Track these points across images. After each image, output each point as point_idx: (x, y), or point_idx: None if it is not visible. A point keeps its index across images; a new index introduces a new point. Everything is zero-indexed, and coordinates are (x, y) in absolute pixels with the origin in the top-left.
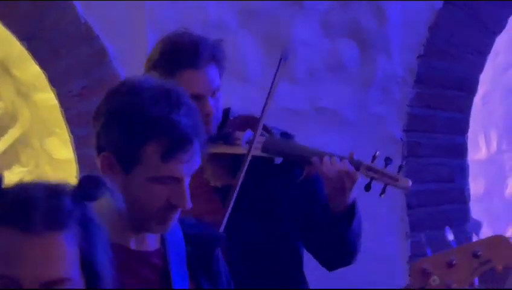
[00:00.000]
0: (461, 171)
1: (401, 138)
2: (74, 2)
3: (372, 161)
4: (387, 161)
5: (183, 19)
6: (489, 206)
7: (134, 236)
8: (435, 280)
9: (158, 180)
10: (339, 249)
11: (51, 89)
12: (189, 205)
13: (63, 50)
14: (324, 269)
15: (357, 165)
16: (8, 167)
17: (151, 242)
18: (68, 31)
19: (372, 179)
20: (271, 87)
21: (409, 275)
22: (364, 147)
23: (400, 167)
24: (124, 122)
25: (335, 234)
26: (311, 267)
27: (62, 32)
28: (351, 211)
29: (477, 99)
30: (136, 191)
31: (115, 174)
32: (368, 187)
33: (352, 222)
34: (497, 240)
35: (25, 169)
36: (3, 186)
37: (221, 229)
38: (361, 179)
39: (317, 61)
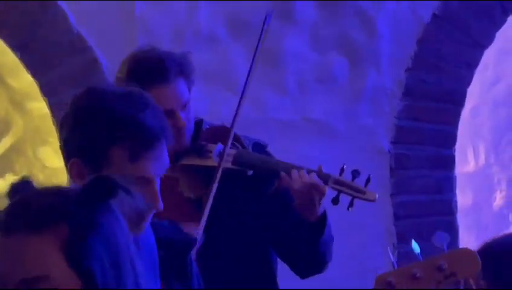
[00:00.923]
0: (448, 183)
1: (389, 150)
2: (66, 12)
3: (340, 174)
4: (355, 173)
5: (174, 30)
6: (478, 219)
7: None
8: None
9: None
10: (310, 259)
11: (43, 98)
12: (160, 206)
13: (55, 60)
14: (312, 279)
15: (326, 179)
16: (2, 175)
17: None
18: (60, 41)
19: (340, 192)
20: (245, 84)
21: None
22: (353, 158)
23: (367, 180)
24: (90, 125)
25: (306, 244)
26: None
27: (54, 42)
28: (321, 222)
29: (465, 113)
30: None
31: (84, 179)
32: (335, 201)
33: (322, 233)
34: (463, 253)
35: (18, 177)
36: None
37: (197, 241)
38: (330, 192)
39: (307, 73)
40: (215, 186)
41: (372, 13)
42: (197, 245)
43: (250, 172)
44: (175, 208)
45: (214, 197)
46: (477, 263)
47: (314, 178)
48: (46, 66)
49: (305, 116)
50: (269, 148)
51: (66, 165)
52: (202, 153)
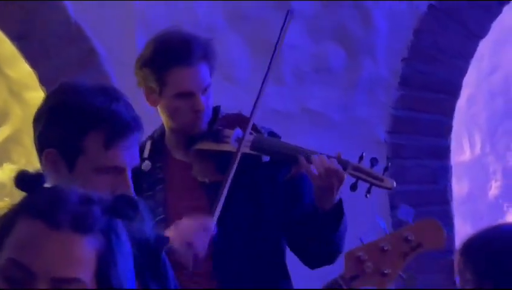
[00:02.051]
0: (444, 172)
1: (385, 140)
2: (65, 2)
3: (358, 162)
4: (373, 161)
5: (172, 21)
6: (473, 208)
7: None
8: (369, 267)
9: (101, 171)
10: (323, 249)
11: (41, 88)
12: (132, 195)
13: (53, 50)
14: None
15: (344, 165)
16: None
17: None
18: (58, 31)
19: (358, 179)
20: (265, 77)
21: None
22: (349, 148)
23: (385, 168)
24: (65, 116)
25: (320, 233)
26: (294, 265)
27: (53, 32)
28: (337, 210)
29: (461, 103)
30: (80, 185)
31: (58, 170)
32: (354, 187)
33: (339, 222)
34: (428, 224)
35: (16, 166)
36: (43, 185)
37: (213, 225)
38: (348, 179)
39: (304, 64)
40: (232, 171)
41: (369, 4)
42: (212, 231)
43: (266, 158)
44: (187, 193)
45: (230, 183)
46: (442, 233)
47: (334, 163)
48: (45, 56)
49: (302, 107)
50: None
51: (39, 156)
52: (219, 138)
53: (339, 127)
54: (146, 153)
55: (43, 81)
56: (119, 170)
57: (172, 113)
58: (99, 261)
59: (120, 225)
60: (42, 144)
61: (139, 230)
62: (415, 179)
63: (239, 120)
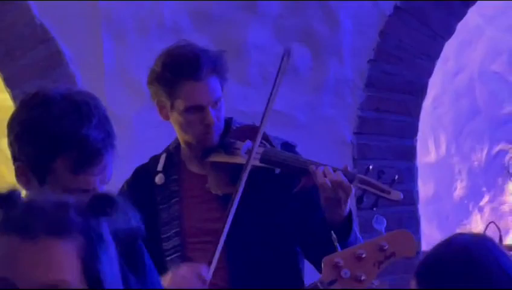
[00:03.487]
0: (410, 173)
1: (351, 141)
2: (30, 3)
3: (365, 174)
4: (380, 173)
5: (138, 21)
6: (439, 208)
7: None
8: (346, 273)
9: (70, 192)
10: None
11: (6, 90)
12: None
13: (18, 51)
14: None
15: (351, 177)
16: None
17: None
18: (23, 32)
19: (365, 191)
20: (271, 93)
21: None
22: (316, 149)
23: (393, 180)
24: (35, 136)
25: (332, 245)
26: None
27: (17, 33)
28: (347, 223)
29: (427, 103)
30: None
31: (29, 184)
32: (360, 200)
33: (349, 234)
34: (401, 234)
35: None
36: (20, 201)
37: (223, 238)
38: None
39: (270, 65)
40: (242, 183)
41: (335, 5)
42: (220, 246)
43: (278, 170)
44: (202, 205)
45: (242, 195)
46: (413, 244)
47: (340, 176)
48: (9, 57)
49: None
50: (298, 149)
51: (13, 162)
52: (230, 150)
53: (305, 128)
54: (160, 167)
55: (8, 83)
56: (88, 192)
57: (184, 127)
58: (83, 260)
59: (101, 223)
60: (14, 154)
61: (119, 223)
62: (381, 180)
63: (252, 131)
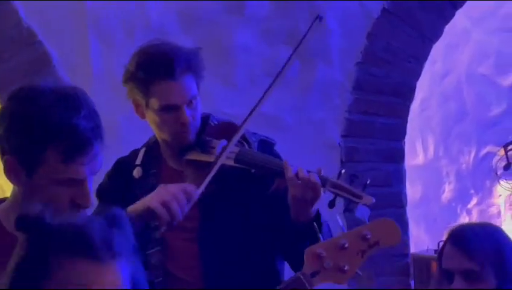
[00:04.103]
0: (398, 176)
1: (339, 143)
2: (16, 5)
3: (337, 178)
4: (353, 177)
5: (124, 23)
6: (427, 211)
7: None
8: (328, 263)
9: (60, 183)
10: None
11: None
12: (91, 204)
13: (5, 54)
14: None
15: (324, 181)
16: None
17: None
18: (10, 35)
19: (336, 195)
20: (268, 88)
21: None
22: (303, 152)
23: (365, 185)
24: (24, 128)
25: (301, 244)
26: None
27: (4, 36)
28: (315, 222)
29: (415, 106)
30: (40, 192)
31: (18, 177)
32: (332, 204)
33: (316, 234)
34: (384, 223)
35: None
36: (44, 225)
37: (197, 237)
38: (326, 195)
39: (258, 67)
40: (206, 181)
41: (322, 7)
42: (194, 197)
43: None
44: None
45: (217, 194)
46: (397, 232)
47: (314, 177)
48: None
49: (256, 110)
50: (276, 147)
51: (1, 158)
52: (206, 148)
53: (293, 131)
54: (139, 160)
55: None
56: (77, 182)
57: (159, 126)
58: (132, 277)
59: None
60: (2, 148)
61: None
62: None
63: (228, 129)
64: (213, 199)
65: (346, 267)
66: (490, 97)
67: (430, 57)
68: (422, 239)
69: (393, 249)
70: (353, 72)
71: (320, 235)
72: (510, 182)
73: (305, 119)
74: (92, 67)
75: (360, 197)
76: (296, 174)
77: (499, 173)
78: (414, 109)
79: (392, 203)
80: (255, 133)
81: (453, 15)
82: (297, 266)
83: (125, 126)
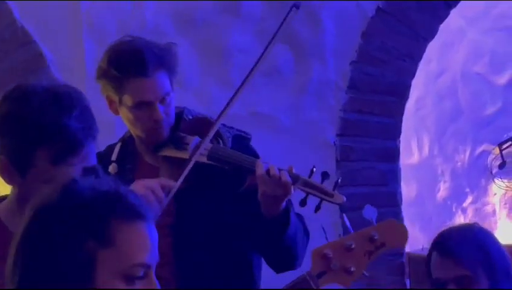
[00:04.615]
0: (393, 175)
1: (334, 143)
2: (10, 5)
3: (309, 176)
4: (324, 176)
5: (119, 24)
6: (421, 210)
7: None
8: (335, 264)
9: (51, 183)
10: (277, 254)
11: None
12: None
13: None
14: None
15: (295, 179)
16: None
17: None
18: (4, 35)
19: (308, 193)
20: (242, 83)
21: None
22: (299, 151)
23: (336, 184)
24: (14, 128)
25: (270, 240)
26: None
27: None
28: (283, 218)
29: (410, 105)
30: (32, 193)
31: (11, 177)
32: (303, 202)
33: (286, 229)
34: (392, 225)
35: None
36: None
37: (171, 233)
38: (298, 193)
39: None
40: (182, 178)
41: (317, 6)
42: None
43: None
44: None
45: (192, 190)
46: (405, 234)
47: (284, 175)
48: None
49: (251, 110)
50: (251, 142)
51: None
52: (179, 145)
53: (288, 130)
54: (114, 156)
55: None
56: None
57: (133, 122)
58: None
59: None
60: None
61: None
62: (364, 182)
63: (203, 125)
64: (188, 195)
65: (352, 269)
66: (485, 96)
67: (425, 56)
68: (417, 238)
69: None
70: (348, 71)
71: (288, 230)
72: (505, 180)
73: (300, 119)
74: (87, 67)
75: (331, 195)
76: (267, 172)
77: (494, 171)
78: (409, 108)
79: (387, 202)
80: (231, 128)
81: (447, 14)
82: (271, 261)
83: (119, 127)
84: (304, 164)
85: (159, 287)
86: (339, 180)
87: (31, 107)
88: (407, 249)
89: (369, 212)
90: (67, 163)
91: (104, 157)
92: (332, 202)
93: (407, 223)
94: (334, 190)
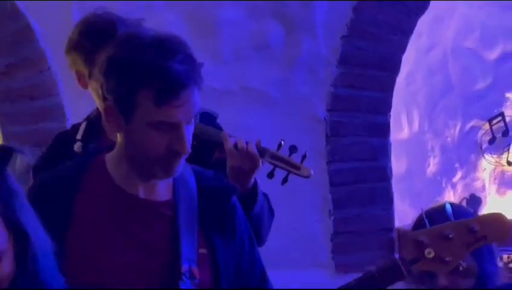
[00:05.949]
0: (383, 150)
1: (324, 118)
2: None
3: (277, 149)
4: (292, 149)
5: None
6: (411, 185)
7: (143, 184)
8: (430, 252)
9: (155, 126)
10: None
11: None
12: (188, 150)
13: None
14: None
15: (262, 152)
16: None
17: (162, 192)
18: None
19: (275, 166)
20: None
21: (401, 247)
22: (289, 126)
23: (303, 157)
24: (119, 70)
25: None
26: None
27: None
28: (251, 194)
29: (400, 79)
30: (137, 138)
31: (118, 123)
32: (271, 174)
33: (253, 205)
34: (495, 217)
35: None
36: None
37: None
38: (267, 166)
39: (243, 41)
40: None
41: None
42: None
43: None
44: None
45: None
46: (508, 229)
47: (252, 148)
48: None
49: (242, 85)
50: (218, 120)
51: (103, 104)
52: None
53: (278, 105)
54: (79, 135)
55: None
56: (172, 126)
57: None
58: (6, 219)
59: (6, 176)
60: (104, 95)
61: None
62: (354, 157)
63: None
64: None
65: (448, 259)
66: (475, 71)
67: (415, 31)
68: (407, 213)
69: (378, 224)
70: (339, 45)
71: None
72: (495, 156)
73: (291, 94)
74: None
75: (298, 168)
76: (235, 145)
77: (483, 147)
78: (399, 82)
79: (377, 177)
80: None
81: None
82: None
83: None
84: (294, 139)
85: None
86: (306, 153)
87: (134, 50)
88: (397, 224)
89: (473, 202)
90: (170, 104)
91: (68, 136)
92: (299, 175)
93: (397, 198)
94: (301, 162)
